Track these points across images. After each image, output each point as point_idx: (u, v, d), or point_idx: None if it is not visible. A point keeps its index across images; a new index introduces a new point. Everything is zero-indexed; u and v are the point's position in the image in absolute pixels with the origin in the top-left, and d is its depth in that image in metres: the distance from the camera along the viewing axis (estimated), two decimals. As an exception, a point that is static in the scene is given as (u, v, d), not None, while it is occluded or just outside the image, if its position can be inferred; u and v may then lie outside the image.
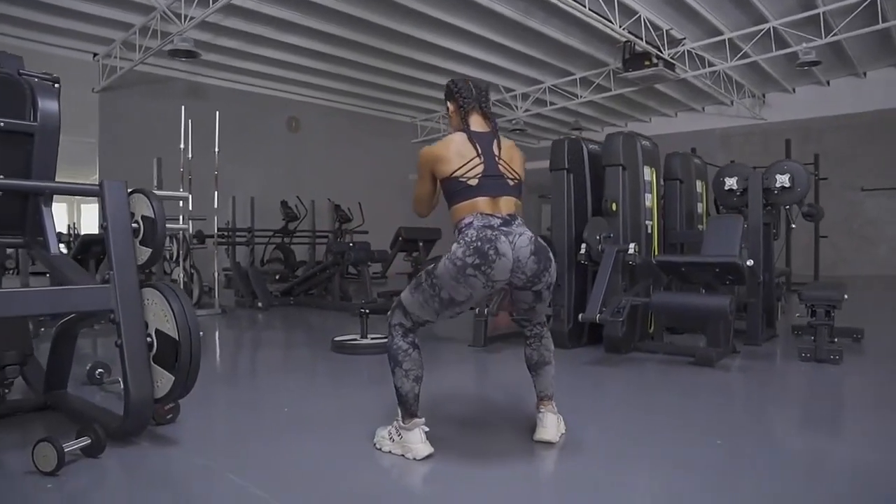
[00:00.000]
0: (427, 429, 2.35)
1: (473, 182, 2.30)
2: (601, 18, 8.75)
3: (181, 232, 6.85)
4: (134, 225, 2.55)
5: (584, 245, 4.19)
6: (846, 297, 4.06)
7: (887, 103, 12.64)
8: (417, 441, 2.31)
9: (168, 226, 2.57)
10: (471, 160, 2.31)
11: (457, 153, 2.32)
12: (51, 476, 2.08)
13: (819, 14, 9.34)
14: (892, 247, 13.01)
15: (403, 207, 15.23)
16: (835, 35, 9.57)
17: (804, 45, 9.88)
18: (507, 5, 9.08)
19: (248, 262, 9.21)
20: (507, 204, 2.34)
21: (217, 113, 7.38)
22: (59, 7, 8.60)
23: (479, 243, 2.18)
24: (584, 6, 8.27)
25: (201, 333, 2.49)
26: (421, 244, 8.60)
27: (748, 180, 4.73)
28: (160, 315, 2.40)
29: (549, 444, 2.46)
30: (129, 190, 2.58)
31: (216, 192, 7.27)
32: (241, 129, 11.67)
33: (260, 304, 7.48)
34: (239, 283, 7.90)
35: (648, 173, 4.70)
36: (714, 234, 4.22)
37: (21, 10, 8.61)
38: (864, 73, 12.92)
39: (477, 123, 2.42)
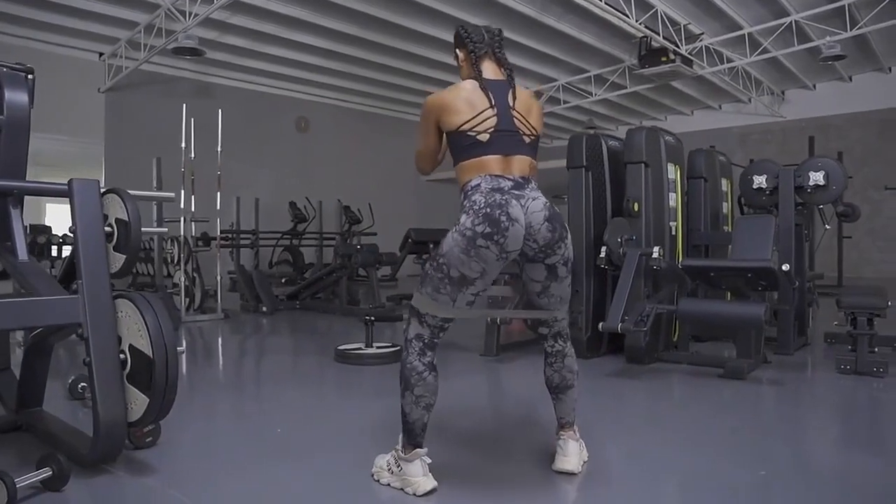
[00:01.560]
0: (429, 460, 2.06)
1: (484, 137, 2.01)
2: (617, 13, 8.46)
3: (182, 234, 6.64)
4: (107, 229, 2.30)
5: (604, 248, 3.89)
6: (889, 304, 3.74)
7: (914, 99, 12.25)
8: (418, 474, 2.03)
9: (144, 229, 2.32)
10: (482, 111, 2.02)
11: (467, 102, 2.04)
12: (1, 516, 1.84)
13: (844, 6, 9.00)
14: (917, 248, 12.61)
15: (414, 208, 15.17)
16: (860, 28, 9.22)
17: (828, 38, 9.53)
18: (522, 2, 8.81)
19: (253, 265, 8.98)
20: (520, 164, 2.05)
21: (220, 111, 7.14)
22: (65, 6, 8.44)
23: (489, 209, 1.92)
24: (601, 0, 7.98)
25: (181, 349, 2.24)
26: (431, 246, 8.32)
27: (779, 178, 4.42)
28: (134, 329, 2.14)
29: (570, 474, 2.18)
30: (102, 190, 2.33)
31: (219, 193, 7.03)
32: (248, 129, 11.47)
33: (264, 309, 7.25)
34: (243, 286, 7.67)
35: (673, 171, 4.40)
36: (744, 236, 3.92)
37: (27, 9, 8.45)
38: (890, 69, 12.53)
39: (490, 70, 2.13)
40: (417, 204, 14.53)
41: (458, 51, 2.21)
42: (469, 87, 2.07)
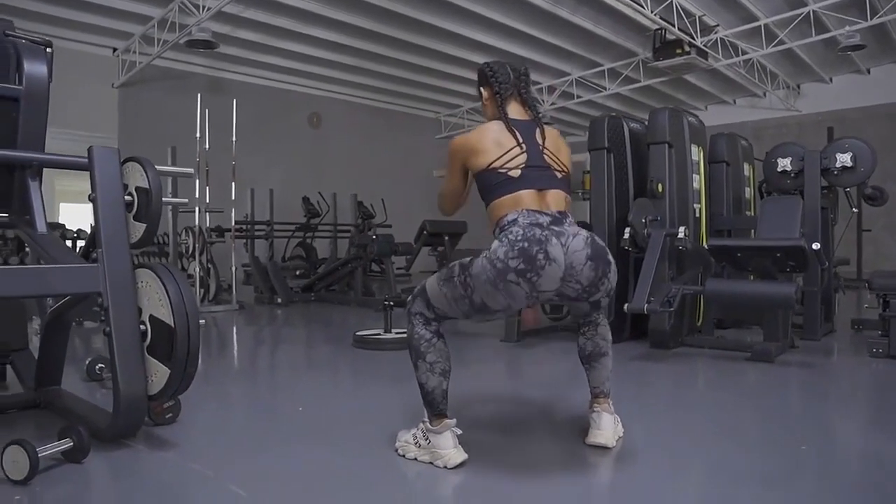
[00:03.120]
0: (459, 431, 2.00)
1: (516, 173, 1.94)
2: (632, 3, 8.37)
3: (197, 225, 6.61)
4: (127, 198, 2.25)
5: (627, 230, 3.81)
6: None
7: (934, 90, 12.08)
8: (449, 446, 1.96)
9: (164, 199, 2.27)
10: (511, 149, 1.96)
11: (494, 142, 1.97)
12: (21, 485, 1.78)
13: (865, -6, 8.86)
14: (934, 243, 12.42)
15: (427, 204, 14.97)
16: (881, 17, 9.08)
17: (847, 28, 9.39)
18: (536, -6, 8.73)
19: (268, 256, 8.95)
20: (555, 199, 1.98)
21: (234, 101, 7.12)
22: (79, 1, 8.44)
23: (527, 244, 1.82)
24: (616, -10, 7.90)
25: (202, 321, 2.18)
26: (446, 238, 8.27)
27: (804, 160, 4.33)
28: (154, 299, 2.09)
29: (603, 448, 2.11)
30: (123, 159, 2.28)
31: (233, 184, 7.00)
32: (261, 124, 11.45)
33: (279, 300, 7.22)
34: (258, 278, 7.64)
35: (696, 152, 4.31)
36: (770, 217, 3.83)
37: (40, 4, 8.45)
38: (909, 60, 12.36)
39: (515, 111, 2.07)
40: (429, 200, 14.39)
41: (482, 89, 2.15)
42: (496, 127, 2.02)
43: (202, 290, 6.59)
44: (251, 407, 2.94)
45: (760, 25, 9.85)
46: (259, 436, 2.37)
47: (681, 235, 3.71)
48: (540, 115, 2.11)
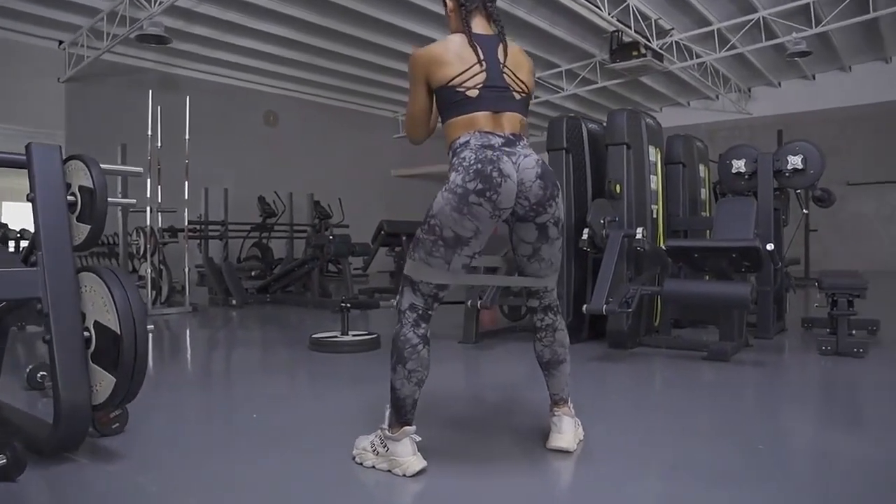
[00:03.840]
0: (418, 438, 1.95)
1: (473, 93, 1.92)
2: (589, 5, 8.45)
3: (148, 225, 6.41)
4: (70, 198, 2.14)
5: (586, 230, 3.82)
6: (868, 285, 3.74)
7: (873, 97, 12.56)
8: (408, 453, 1.91)
9: (111, 200, 2.16)
10: (471, 66, 1.93)
11: (457, 55, 1.94)
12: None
13: (809, 4, 9.16)
14: (875, 242, 12.90)
15: (385, 205, 14.96)
16: (824, 25, 9.39)
17: (794, 35, 9.68)
18: (492, -8, 8.71)
19: (222, 257, 8.75)
20: (511, 121, 1.96)
21: (188, 98, 6.93)
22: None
23: (480, 165, 1.84)
24: (573, -9, 7.96)
25: (151, 326, 2.09)
26: (404, 238, 8.21)
27: (758, 162, 4.41)
28: (100, 304, 1.99)
29: (565, 452, 2.09)
30: (66, 156, 2.17)
31: (186, 183, 6.81)
32: (215, 122, 11.21)
33: (234, 302, 7.06)
34: (212, 279, 7.46)
35: (653, 153, 4.36)
36: (726, 218, 3.89)
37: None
38: (850, 68, 12.83)
39: (480, 25, 2.03)
40: (387, 200, 14.38)
41: (447, 0, 2.09)
42: (458, 40, 1.98)
43: (154, 293, 6.40)
44: (204, 414, 2.84)
45: (714, 30, 10.08)
46: (211, 444, 2.29)
47: (639, 236, 3.74)
48: (503, 27, 2.06)
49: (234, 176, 11.55)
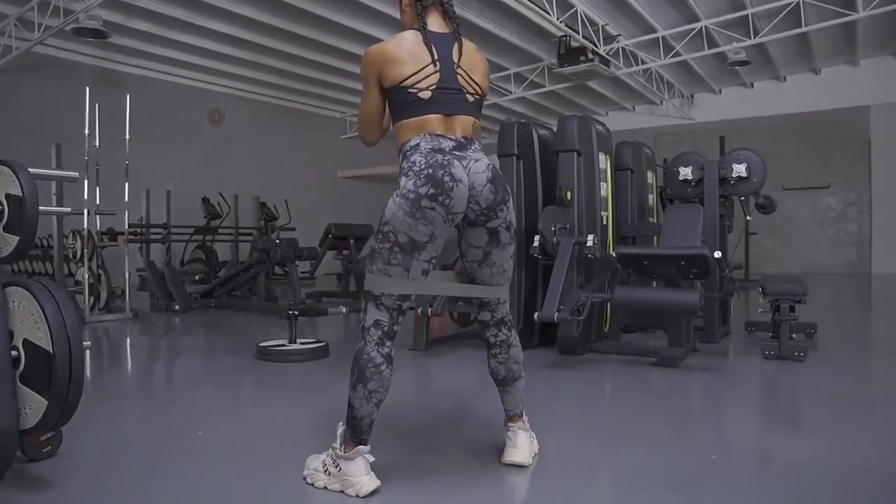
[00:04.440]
0: (372, 458, 1.89)
1: (425, 95, 1.88)
2: (538, 10, 8.51)
3: (86, 228, 6.14)
4: (-3, 207, 2.00)
5: (537, 237, 3.82)
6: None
7: (805, 106, 13.06)
8: (361, 473, 1.85)
9: (42, 209, 2.04)
10: (425, 67, 1.88)
11: (410, 54, 1.88)
12: None
13: (748, 15, 9.47)
14: (809, 245, 13.41)
15: (332, 206, 14.74)
16: (762, 36, 9.72)
17: (734, 44, 9.99)
18: (441, -6, 8.68)
19: (165, 261, 8.47)
20: (463, 124, 1.93)
21: (128, 96, 6.67)
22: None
23: (431, 170, 1.82)
24: (522, -4, 8.00)
25: (87, 344, 1.97)
26: (352, 241, 8.11)
27: (704, 170, 4.50)
28: (30, 322, 1.86)
29: (520, 466, 2.06)
30: (-9, 163, 2.03)
31: (127, 184, 6.56)
32: (157, 120, 10.85)
33: (177, 307, 6.84)
34: (154, 284, 7.21)
35: (603, 160, 4.39)
36: (674, 226, 3.96)
37: None
38: (784, 77, 13.30)
39: (436, 23, 1.97)
40: (334, 201, 14.20)
41: None
42: (412, 38, 1.92)
43: (92, 298, 6.14)
44: (145, 431, 2.71)
45: (659, 37, 10.28)
46: (153, 465, 2.18)
47: (590, 244, 3.76)
48: (458, 25, 2.01)
49: (177, 176, 11.19)
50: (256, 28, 9.49)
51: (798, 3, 8.95)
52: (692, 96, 14.35)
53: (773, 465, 2.19)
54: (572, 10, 9.06)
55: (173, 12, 8.84)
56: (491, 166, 1.93)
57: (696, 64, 12.00)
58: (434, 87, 1.88)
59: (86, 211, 6.11)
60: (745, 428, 2.78)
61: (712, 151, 10.47)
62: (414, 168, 1.84)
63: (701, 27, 9.89)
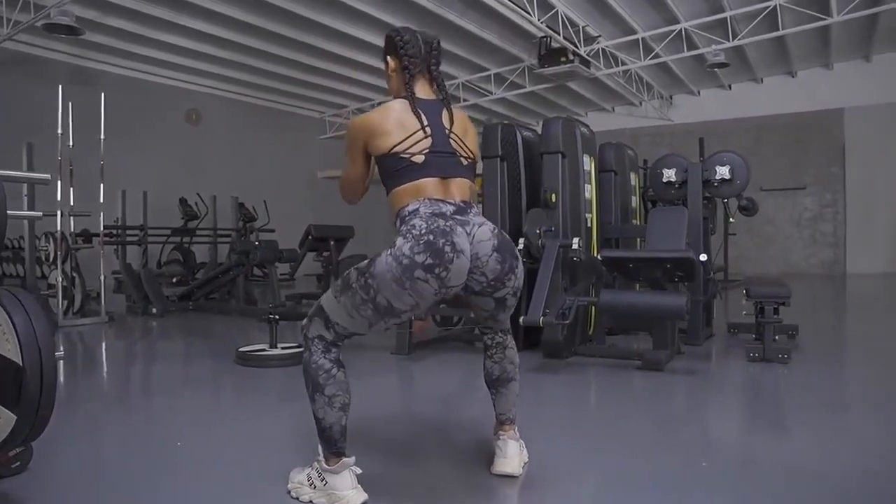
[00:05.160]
0: (359, 470, 1.84)
1: (419, 159, 1.81)
2: (520, 10, 8.50)
3: (59, 230, 5.99)
4: (-37, 211, 1.91)
5: (522, 240, 3.79)
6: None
7: (782, 108, 13.22)
8: (347, 487, 1.80)
9: (11, 213, 1.95)
10: (415, 132, 1.82)
11: (398, 124, 1.83)
12: None
13: (726, 18, 9.56)
14: (786, 245, 13.57)
15: (311, 207, 14.60)
16: (740, 39, 9.81)
17: (713, 46, 10.07)
18: (424, -4, 8.66)
19: (141, 263, 8.31)
20: (460, 187, 1.87)
21: (103, 95, 6.53)
22: None
23: (432, 237, 1.70)
24: (504, -3, 7.98)
25: (59, 354, 1.89)
26: (332, 243, 8.00)
27: (688, 172, 4.50)
28: (-2, 332, 1.78)
29: (510, 477, 2.02)
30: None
31: (102, 185, 6.42)
32: (134, 119, 10.67)
33: (154, 311, 6.70)
34: (130, 286, 7.06)
35: (588, 162, 4.37)
36: (658, 228, 3.94)
37: None
38: (762, 79, 13.45)
39: (423, 90, 1.94)
40: (314, 201, 14.08)
41: (389, 58, 1.99)
42: (399, 107, 1.87)
43: (65, 302, 5.99)
44: (121, 442, 2.62)
45: (638, 39, 10.33)
46: (129, 479, 2.10)
47: (575, 246, 3.73)
48: (447, 93, 1.98)
49: (154, 177, 11.02)
50: (235, 27, 9.37)
51: (775, 6, 9.06)
52: (671, 97, 14.45)
53: (758, 467, 2.17)
54: (553, 11, 9.06)
55: (150, 10, 8.68)
56: (497, 231, 1.85)
57: (676, 66, 12.08)
58: (427, 150, 1.83)
59: (59, 212, 5.96)
60: (731, 431, 2.77)
61: (691, 152, 10.45)
62: (413, 232, 1.72)
63: (680, 29, 9.96)
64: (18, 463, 2.06)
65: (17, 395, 1.74)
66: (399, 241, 1.74)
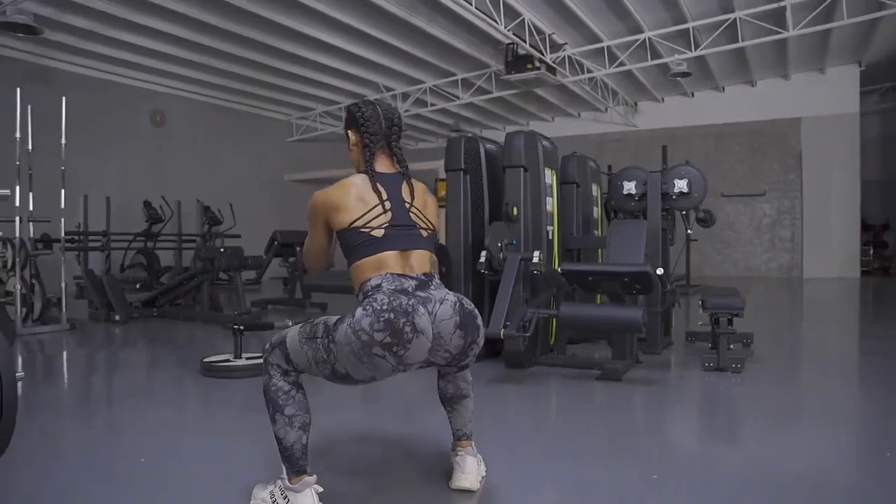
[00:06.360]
0: (320, 489, 1.89)
1: (379, 233, 1.86)
2: (486, 18, 8.60)
3: (18, 236, 5.89)
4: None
5: (484, 253, 3.86)
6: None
7: (742, 116, 13.62)
8: (309, 505, 1.85)
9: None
10: (374, 207, 1.88)
11: (357, 199, 1.88)
12: None
13: (689, 28, 9.80)
14: (747, 250, 13.93)
15: (278, 210, 14.51)
16: (702, 49, 10.06)
17: (676, 56, 10.31)
18: (391, 1, 8.69)
19: (104, 269, 8.21)
20: (420, 260, 1.91)
21: (64, 98, 6.43)
22: None
23: (392, 315, 1.72)
24: (471, 4, 8.06)
25: (19, 374, 1.90)
26: (298, 248, 8.01)
27: (647, 185, 4.63)
28: (-41, 354, 1.79)
29: (468, 492, 2.09)
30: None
31: (63, 191, 6.33)
32: (96, 121, 10.53)
33: (117, 317, 6.62)
34: (92, 293, 6.97)
35: (549, 175, 4.47)
36: (618, 241, 4.05)
37: None
38: (723, 88, 13.78)
39: (383, 164, 1.99)
40: (280, 204, 14.03)
41: (349, 132, 2.04)
42: (359, 182, 1.92)
43: (24, 310, 5.90)
44: (82, 458, 2.62)
45: (604, 47, 10.51)
46: (91, 499, 2.11)
47: (535, 260, 3.82)
48: (407, 168, 2.03)
49: (116, 178, 10.91)
50: (200, 28, 9.29)
51: (735, 19, 9.32)
52: (636, 104, 14.71)
53: (709, 476, 2.28)
54: (520, 19, 9.18)
55: (111, 9, 8.55)
56: (458, 306, 1.86)
57: (640, 73, 12.32)
58: (387, 224, 1.88)
59: (18, 219, 5.86)
60: (682, 441, 2.88)
61: (656, 157, 10.74)
62: (374, 306, 1.74)
63: (644, 38, 10.17)
64: (-22, 484, 2.06)
65: (-22, 418, 1.75)
66: (359, 312, 1.75)
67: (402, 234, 1.90)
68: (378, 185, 1.91)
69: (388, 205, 1.90)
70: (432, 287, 1.89)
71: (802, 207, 13.34)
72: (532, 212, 4.23)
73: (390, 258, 1.86)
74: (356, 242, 1.87)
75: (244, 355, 4.14)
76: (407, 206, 1.95)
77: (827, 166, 12.92)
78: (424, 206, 2.00)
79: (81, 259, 7.76)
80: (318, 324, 1.85)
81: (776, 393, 3.62)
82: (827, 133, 12.83)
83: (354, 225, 1.87)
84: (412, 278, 1.87)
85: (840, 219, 12.85)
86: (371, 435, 2.92)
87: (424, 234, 1.97)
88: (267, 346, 1.96)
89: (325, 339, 1.80)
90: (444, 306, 1.83)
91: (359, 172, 1.98)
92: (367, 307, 1.75)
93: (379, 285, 1.82)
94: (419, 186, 2.02)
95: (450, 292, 1.91)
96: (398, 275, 1.85)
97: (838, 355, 4.88)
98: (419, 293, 1.83)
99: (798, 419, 3.18)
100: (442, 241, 4.26)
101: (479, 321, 1.92)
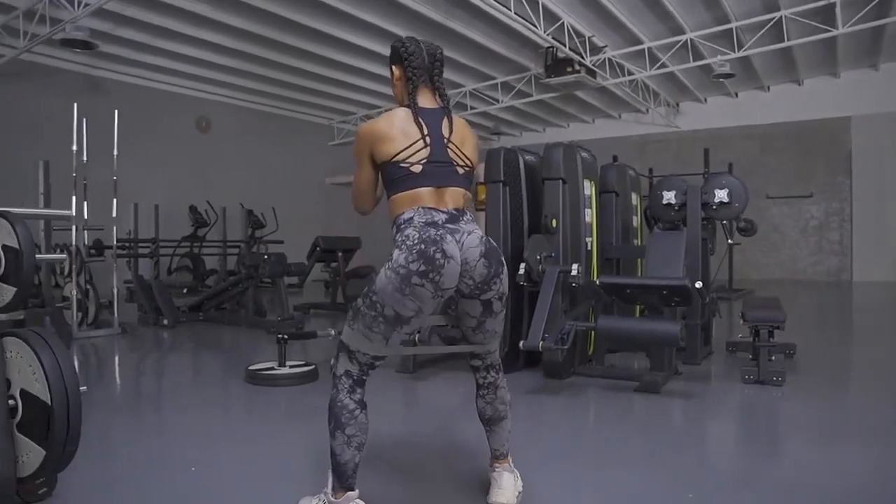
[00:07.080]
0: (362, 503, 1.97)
1: (417, 169, 1.94)
2: (526, 23, 8.60)
3: (74, 244, 6.14)
4: (-7, 257, 2.05)
5: (523, 265, 3.89)
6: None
7: (788, 116, 13.27)
8: (351, 521, 1.92)
9: (40, 256, 2.08)
10: (415, 142, 1.94)
11: (401, 131, 1.95)
12: None
13: (732, 29, 9.62)
14: (793, 252, 13.61)
15: (320, 213, 14.71)
16: (746, 50, 9.87)
17: (719, 57, 10.14)
18: (429, 6, 8.78)
19: (153, 275, 8.47)
20: (453, 196, 1.99)
21: (116, 112, 6.68)
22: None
23: (423, 245, 1.83)
24: (510, 9, 8.08)
25: (83, 389, 2.01)
26: (340, 254, 8.16)
27: (687, 195, 4.59)
28: (27, 372, 1.91)
29: (505, 508, 2.14)
30: (-12, 213, 2.08)
31: (115, 200, 6.57)
32: (145, 129, 10.84)
33: (165, 322, 6.85)
34: (142, 297, 7.21)
35: (588, 187, 4.48)
36: (657, 253, 4.04)
37: None
38: (768, 87, 13.49)
39: (425, 99, 2.04)
40: (322, 208, 14.26)
41: (393, 67, 2.10)
42: (402, 115, 1.99)
43: (80, 314, 6.15)
44: (138, 465, 2.74)
45: (644, 49, 10.40)
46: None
47: (574, 272, 3.83)
48: (448, 101, 2.09)
49: (163, 183, 11.22)
50: (243, 36, 9.52)
51: (780, 17, 9.12)
52: (678, 105, 14.51)
53: (747, 496, 2.27)
54: (559, 23, 9.15)
55: (161, 21, 8.84)
56: (484, 239, 1.95)
57: (682, 75, 12.15)
58: (425, 160, 1.94)
59: (74, 227, 6.11)
60: (721, 456, 2.87)
61: (697, 158, 10.63)
62: (407, 242, 1.86)
63: (686, 39, 10.03)
64: (45, 489, 2.18)
65: (45, 431, 1.87)
66: (395, 253, 1.87)
67: (438, 170, 1.96)
68: (420, 119, 1.97)
69: (428, 139, 1.96)
70: (462, 221, 1.96)
71: (852, 209, 12.97)
72: (571, 223, 4.24)
73: (425, 194, 1.94)
74: (395, 176, 1.95)
75: (288, 363, 4.25)
76: (445, 141, 1.99)
77: (879, 166, 12.54)
78: (462, 143, 2.04)
79: (132, 265, 8.02)
80: (355, 304, 1.95)
81: (818, 408, 3.57)
82: (879, 132, 12.45)
83: (396, 159, 1.93)
84: (443, 212, 1.94)
85: (893, 220, 12.45)
86: (410, 442, 2.98)
87: (461, 171, 2.02)
88: (332, 362, 2.03)
89: (368, 298, 1.90)
90: (471, 237, 1.92)
91: (401, 106, 2.04)
92: (401, 245, 1.86)
93: (411, 219, 1.92)
94: (458, 122, 2.06)
95: (477, 228, 1.98)
96: (430, 209, 1.93)
97: (887, 367, 4.74)
98: (448, 225, 1.91)
99: (840, 436, 3.12)
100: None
101: (502, 258, 2.00)
